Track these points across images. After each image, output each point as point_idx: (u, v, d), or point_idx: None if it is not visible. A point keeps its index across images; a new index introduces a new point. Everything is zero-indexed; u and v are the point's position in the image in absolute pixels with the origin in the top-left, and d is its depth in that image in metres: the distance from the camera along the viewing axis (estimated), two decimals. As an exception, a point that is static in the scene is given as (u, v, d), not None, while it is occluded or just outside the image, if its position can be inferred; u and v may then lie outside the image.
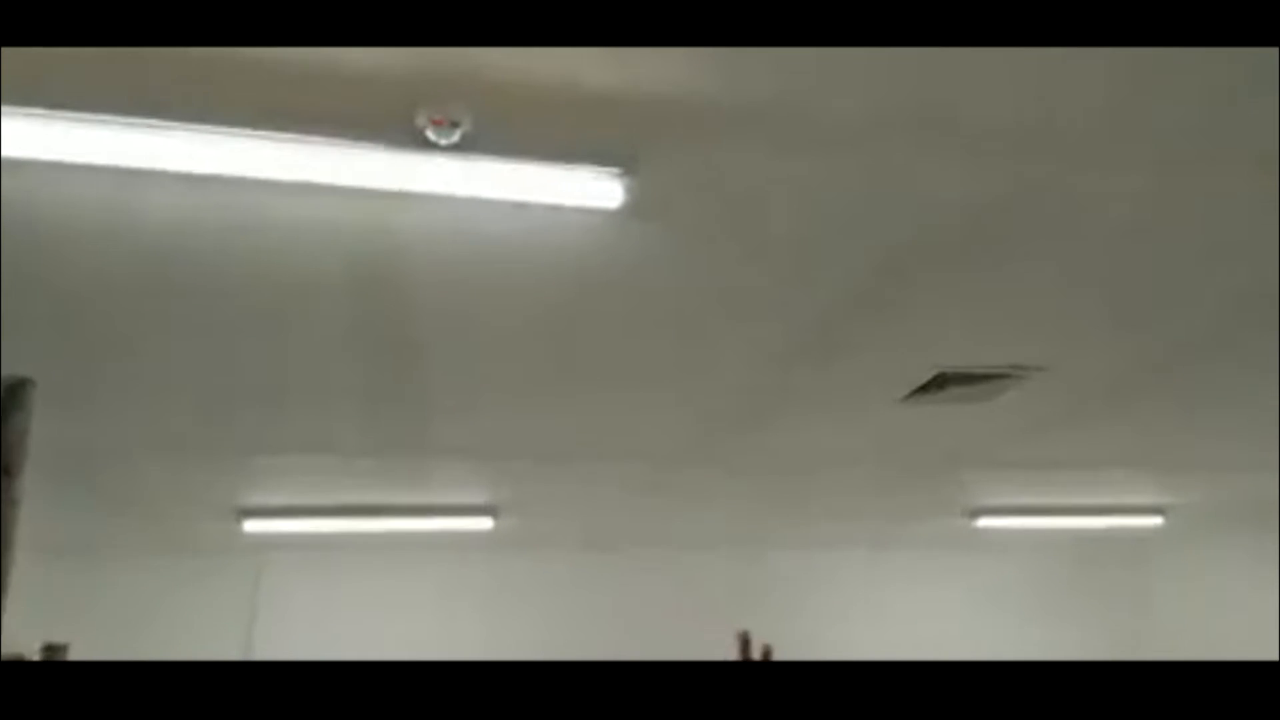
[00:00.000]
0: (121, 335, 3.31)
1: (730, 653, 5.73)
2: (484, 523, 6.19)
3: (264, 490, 5.44)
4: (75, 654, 6.71)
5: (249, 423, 4.25)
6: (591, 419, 4.41)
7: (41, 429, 4.05)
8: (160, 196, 2.55)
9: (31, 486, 5.01)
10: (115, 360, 3.51)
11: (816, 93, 2.28)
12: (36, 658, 4.38)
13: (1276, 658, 7.27)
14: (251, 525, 5.92)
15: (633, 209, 2.68)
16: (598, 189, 2.51)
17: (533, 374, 3.83)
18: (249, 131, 2.27)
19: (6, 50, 1.99)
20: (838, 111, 2.35)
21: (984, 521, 6.92)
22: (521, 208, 2.64)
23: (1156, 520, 7.11)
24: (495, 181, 2.46)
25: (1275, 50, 2.13)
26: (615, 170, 2.47)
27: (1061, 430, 4.91)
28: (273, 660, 6.84)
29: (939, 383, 4.14)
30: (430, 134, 2.33)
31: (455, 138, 2.35)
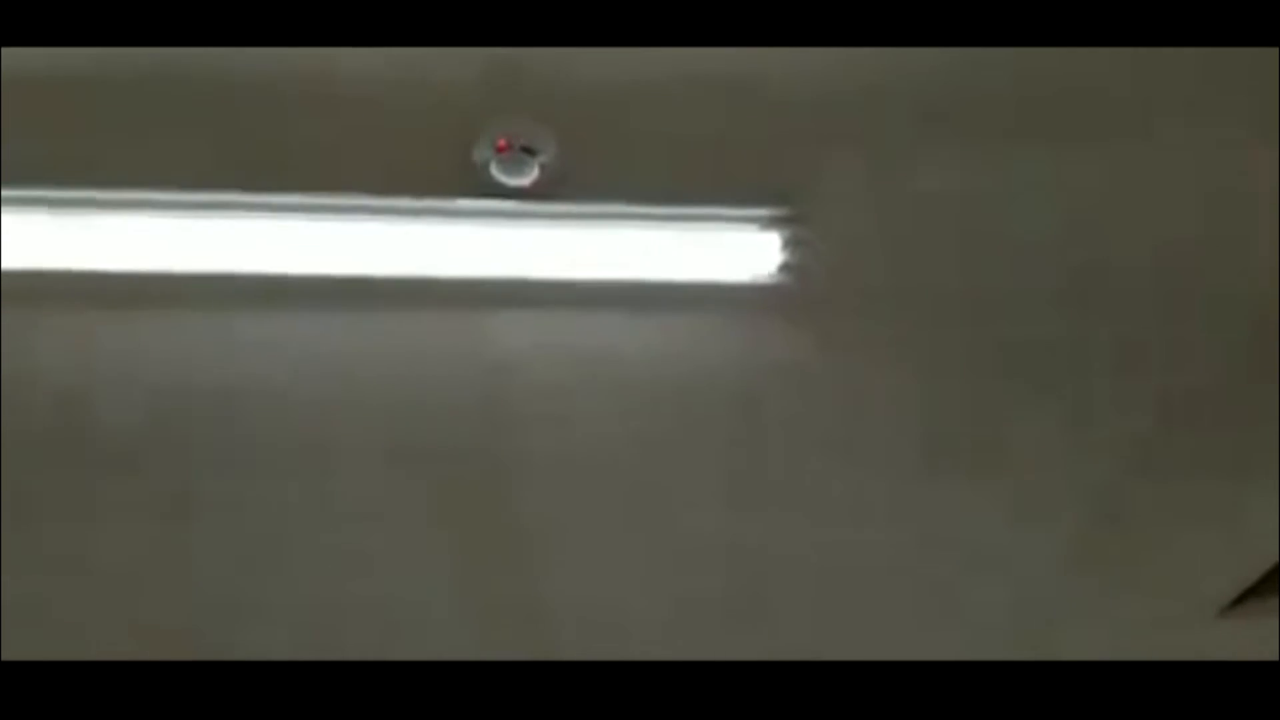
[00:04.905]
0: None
1: None
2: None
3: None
4: None
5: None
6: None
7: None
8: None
9: None
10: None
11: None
12: None
13: None
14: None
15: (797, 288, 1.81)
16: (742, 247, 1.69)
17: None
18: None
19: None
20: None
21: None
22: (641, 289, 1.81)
23: None
24: (597, 244, 1.69)
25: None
26: (769, 214, 1.65)
27: None
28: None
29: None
30: (497, 170, 1.61)
31: (532, 174, 1.61)
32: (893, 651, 2.90)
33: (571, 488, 2.34)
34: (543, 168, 1.60)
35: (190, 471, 2.25)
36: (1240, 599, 3.03)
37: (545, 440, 2.14)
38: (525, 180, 1.61)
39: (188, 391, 2.03)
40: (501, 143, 1.59)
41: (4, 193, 1.57)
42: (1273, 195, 1.71)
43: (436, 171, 1.61)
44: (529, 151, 1.59)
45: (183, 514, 2.36)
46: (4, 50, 1.42)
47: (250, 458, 2.23)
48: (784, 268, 1.70)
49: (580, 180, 1.63)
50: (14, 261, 1.65)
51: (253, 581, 2.63)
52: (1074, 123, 1.61)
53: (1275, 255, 1.82)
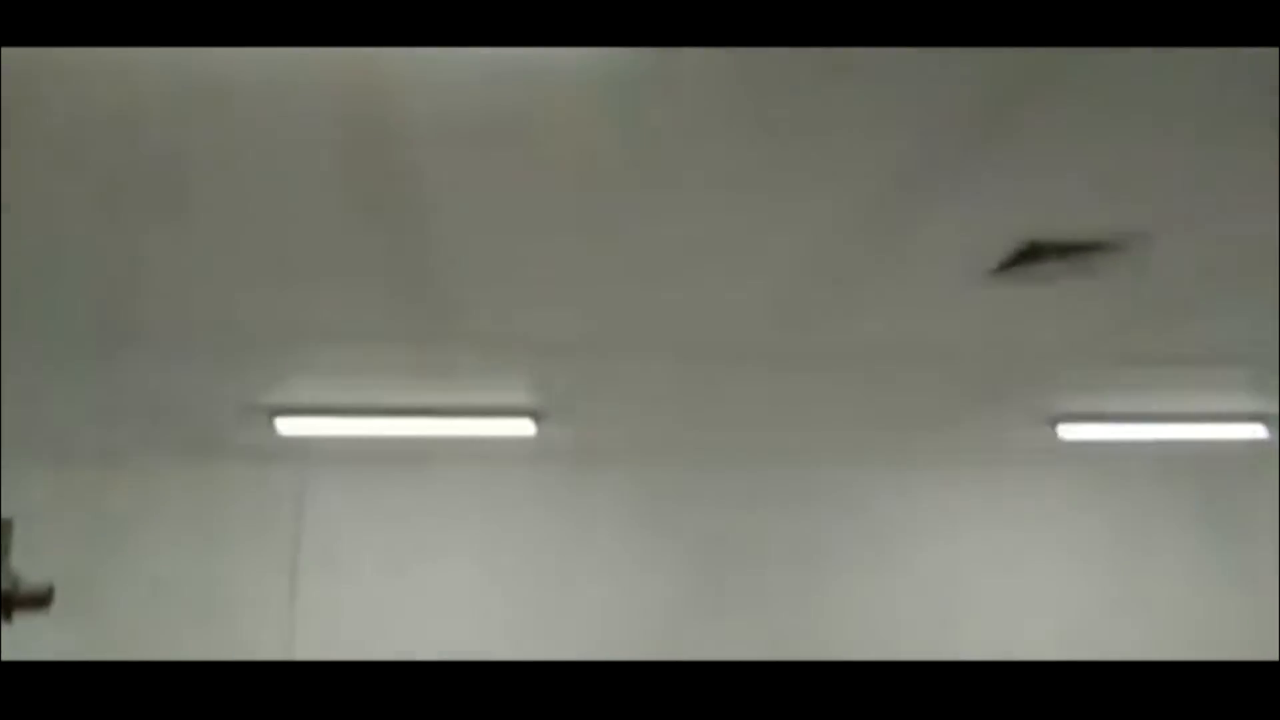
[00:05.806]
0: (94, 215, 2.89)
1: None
2: (525, 426, 5.80)
3: (285, 387, 5.09)
4: (100, 583, 6.52)
5: (253, 308, 3.86)
6: (624, 303, 3.94)
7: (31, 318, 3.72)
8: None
9: (33, 383, 4.71)
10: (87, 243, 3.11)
11: None
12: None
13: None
14: (284, 426, 5.61)
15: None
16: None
17: (563, 246, 3.35)
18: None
19: None
20: None
21: (1068, 430, 6.33)
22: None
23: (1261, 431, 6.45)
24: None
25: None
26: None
27: (1172, 317, 4.31)
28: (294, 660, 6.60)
29: (1031, 255, 3.57)
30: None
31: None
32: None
33: (459, 157, 2.70)
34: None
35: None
36: (996, 271, 3.69)
37: (438, 119, 2.48)
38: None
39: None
40: None
41: None
42: None
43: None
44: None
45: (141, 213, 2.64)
46: None
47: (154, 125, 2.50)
48: None
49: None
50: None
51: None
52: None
53: None
